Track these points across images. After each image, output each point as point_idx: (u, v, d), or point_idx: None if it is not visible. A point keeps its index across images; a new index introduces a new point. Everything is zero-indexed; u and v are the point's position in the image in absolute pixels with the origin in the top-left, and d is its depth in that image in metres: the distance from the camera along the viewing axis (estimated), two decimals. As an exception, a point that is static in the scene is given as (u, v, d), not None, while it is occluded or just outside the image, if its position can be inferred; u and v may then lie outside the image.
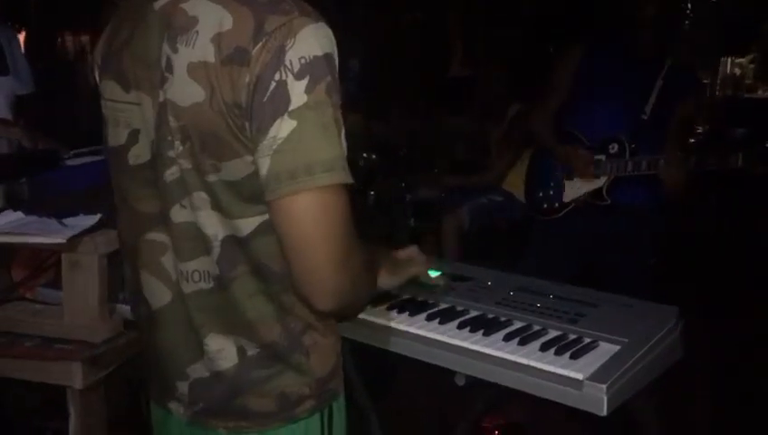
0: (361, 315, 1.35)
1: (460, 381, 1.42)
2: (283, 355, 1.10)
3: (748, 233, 4.96)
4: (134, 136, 1.10)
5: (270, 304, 1.08)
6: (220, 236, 1.05)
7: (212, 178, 1.02)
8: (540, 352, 1.36)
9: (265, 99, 0.94)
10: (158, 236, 1.11)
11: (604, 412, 1.24)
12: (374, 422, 1.93)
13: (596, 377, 1.26)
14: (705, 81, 7.25)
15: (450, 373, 1.44)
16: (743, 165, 2.32)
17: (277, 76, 0.94)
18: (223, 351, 1.10)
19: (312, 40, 0.96)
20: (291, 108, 0.94)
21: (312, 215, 0.96)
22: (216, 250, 1.05)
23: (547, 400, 1.31)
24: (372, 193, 3.90)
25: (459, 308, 1.55)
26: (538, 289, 1.65)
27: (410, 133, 4.64)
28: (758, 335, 3.68)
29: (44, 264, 1.80)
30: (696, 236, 4.84)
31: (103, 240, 1.69)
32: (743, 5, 7.37)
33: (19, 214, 1.78)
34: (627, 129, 2.60)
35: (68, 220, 1.72)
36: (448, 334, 1.44)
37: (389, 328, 1.47)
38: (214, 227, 1.04)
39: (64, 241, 1.64)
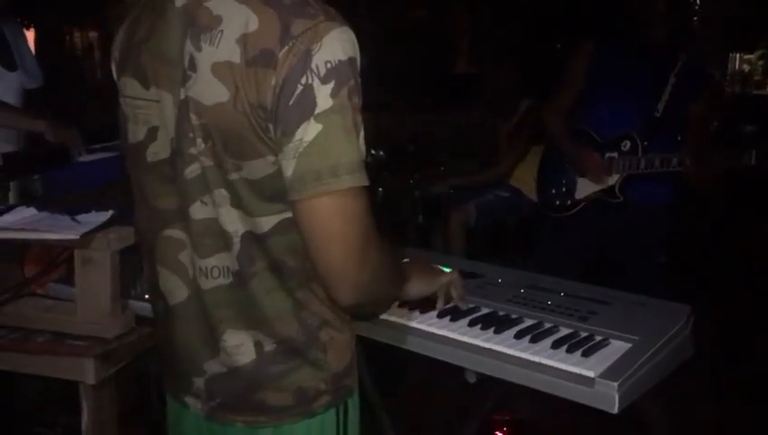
0: (372, 313, 1.36)
1: (471, 379, 1.43)
2: (300, 350, 1.11)
3: (759, 231, 4.94)
4: (153, 133, 1.11)
5: (287, 299, 1.09)
6: (240, 233, 1.06)
7: (233, 176, 1.03)
8: (551, 350, 1.36)
9: (291, 102, 0.96)
10: (175, 233, 1.12)
11: (615, 410, 1.24)
12: (385, 419, 1.94)
13: (607, 375, 1.26)
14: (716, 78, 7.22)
15: (461, 371, 1.44)
16: (756, 163, 2.30)
17: (303, 80, 0.96)
18: (241, 346, 1.11)
19: (338, 44, 0.98)
20: (317, 111, 0.96)
21: (335, 215, 0.98)
22: (237, 246, 1.07)
23: (556, 397, 1.31)
24: (380, 190, 3.90)
25: (470, 305, 1.54)
26: (549, 286, 1.64)
27: (417, 129, 4.65)
28: (764, 335, 3.68)
29: (57, 260, 1.81)
30: (707, 235, 4.82)
31: (116, 237, 1.70)
32: (750, 2, 7.34)
33: (32, 210, 1.79)
34: (639, 126, 2.59)
35: (81, 217, 1.73)
36: (459, 332, 1.44)
37: (400, 325, 1.47)
38: (234, 223, 1.06)
39: (77, 237, 1.64)
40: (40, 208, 1.80)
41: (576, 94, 2.76)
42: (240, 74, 0.98)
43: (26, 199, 1.93)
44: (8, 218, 1.75)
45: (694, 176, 2.45)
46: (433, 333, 1.45)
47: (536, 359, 1.34)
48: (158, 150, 1.11)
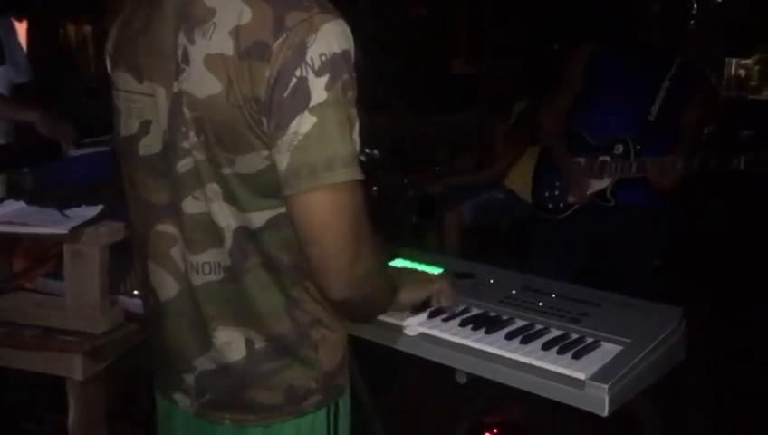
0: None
1: (461, 379, 1.42)
2: (291, 349, 1.10)
3: (753, 234, 4.95)
4: (145, 126, 1.10)
5: (281, 296, 1.08)
6: (233, 228, 1.05)
7: (226, 170, 1.02)
8: (542, 351, 1.36)
9: (286, 94, 0.95)
10: (167, 228, 1.11)
11: (605, 413, 1.24)
12: (376, 419, 1.93)
13: (598, 377, 1.26)
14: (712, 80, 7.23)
15: (452, 371, 1.44)
16: (745, 168, 2.30)
17: (298, 72, 0.95)
18: (232, 343, 1.10)
19: (332, 37, 0.97)
20: (312, 104, 0.95)
21: (330, 209, 0.97)
22: (229, 241, 1.06)
23: (548, 399, 1.31)
24: (375, 188, 3.89)
25: (462, 306, 1.54)
26: (541, 288, 1.64)
27: (413, 129, 4.64)
28: (760, 336, 3.69)
29: (46, 254, 1.80)
30: (701, 237, 4.83)
31: (105, 231, 1.68)
32: (747, 6, 7.35)
33: (21, 204, 1.78)
34: (632, 130, 2.59)
35: (70, 211, 1.72)
36: (450, 332, 1.44)
37: (392, 325, 1.47)
38: (227, 218, 1.05)
39: (66, 232, 1.63)
40: (29, 202, 1.79)
41: (573, 96, 2.76)
42: (233, 67, 0.97)
43: (16, 193, 1.91)
44: (-3, 212, 1.74)
45: (651, 179, 2.48)
46: (424, 334, 1.45)
47: (527, 360, 1.34)
48: (151, 144, 1.10)
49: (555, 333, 1.44)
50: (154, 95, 1.07)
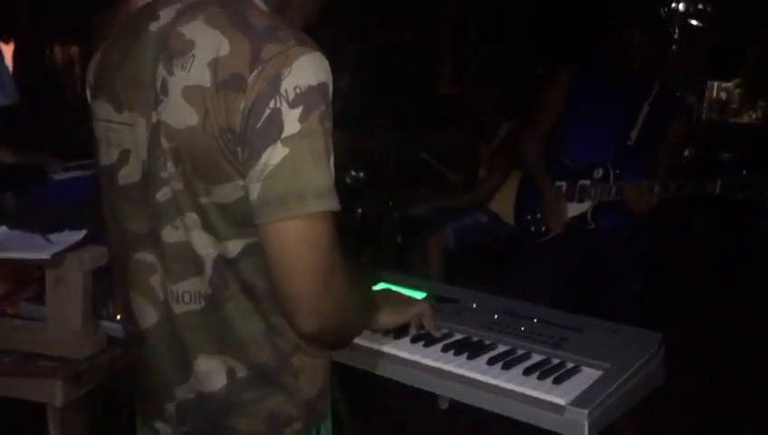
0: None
1: (443, 405, 1.43)
2: (272, 377, 1.10)
3: (733, 254, 5.01)
4: (125, 156, 1.10)
5: (261, 323, 1.08)
6: (212, 256, 1.05)
7: (203, 200, 1.02)
8: (523, 377, 1.37)
9: (259, 125, 0.96)
10: (146, 257, 1.11)
11: (585, 438, 1.24)
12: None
13: (578, 402, 1.27)
14: (690, 104, 7.32)
15: (434, 397, 1.44)
16: (721, 192, 2.34)
17: (272, 104, 0.95)
18: (212, 372, 1.10)
19: (308, 69, 0.98)
20: (284, 135, 0.95)
21: (300, 240, 0.97)
22: (209, 270, 1.06)
23: (529, 424, 1.32)
24: (359, 210, 3.90)
25: (444, 331, 1.55)
26: (523, 313, 1.65)
27: (398, 151, 4.66)
28: (739, 354, 3.72)
29: (28, 279, 1.79)
30: (681, 259, 4.88)
31: (88, 256, 1.68)
32: (729, 30, 7.47)
33: (4, 228, 1.77)
34: (612, 154, 2.62)
35: (53, 236, 1.71)
36: (432, 357, 1.45)
37: (374, 350, 1.47)
38: (206, 247, 1.05)
39: (48, 257, 1.63)
40: (12, 226, 1.79)
41: (553, 120, 2.79)
42: (210, 98, 0.98)
43: (-1, 217, 1.91)
44: (-21, 237, 1.73)
45: (627, 202, 2.52)
46: (406, 359, 1.46)
47: (508, 386, 1.35)
48: (130, 173, 1.10)
49: (537, 358, 1.46)
50: (133, 125, 1.08)
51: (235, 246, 1.04)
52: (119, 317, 1.71)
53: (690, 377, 3.17)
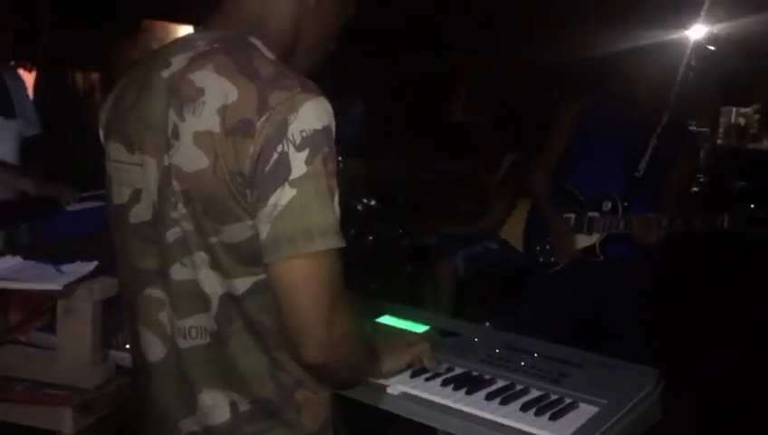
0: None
1: (443, 440, 1.44)
2: (274, 411, 1.13)
3: (744, 290, 4.95)
4: (136, 195, 1.15)
5: (264, 359, 1.12)
6: (219, 294, 1.09)
7: (213, 239, 1.07)
8: (520, 412, 1.39)
9: (267, 168, 1.00)
10: (155, 293, 1.15)
11: (581, 475, 1.26)
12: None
13: (573, 439, 1.28)
14: (703, 129, 7.30)
15: (433, 431, 1.46)
16: (730, 226, 2.33)
17: (280, 148, 1.00)
18: (216, 406, 1.13)
19: (313, 114, 1.02)
20: (291, 177, 1.00)
21: (307, 276, 1.02)
22: (215, 307, 1.10)
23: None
24: (370, 238, 3.93)
25: (445, 365, 1.57)
26: (523, 347, 1.66)
27: (410, 179, 4.70)
28: (747, 392, 3.68)
29: (40, 308, 1.84)
30: (695, 287, 4.84)
31: (99, 287, 1.72)
32: (747, 55, 7.43)
33: (18, 259, 1.82)
34: (620, 186, 2.63)
35: (65, 266, 1.76)
36: (431, 392, 1.46)
37: (374, 384, 1.49)
38: (213, 285, 1.09)
39: (60, 288, 1.67)
40: (26, 257, 1.83)
41: (561, 150, 2.79)
42: (219, 143, 1.02)
43: (13, 247, 1.96)
44: (-6, 267, 1.78)
45: (636, 236, 2.52)
46: (406, 393, 1.47)
47: (505, 421, 1.36)
48: (141, 212, 1.15)
49: (535, 393, 1.47)
50: (144, 166, 1.12)
51: (242, 284, 1.08)
52: (127, 346, 1.75)
53: (699, 409, 3.15)
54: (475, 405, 1.41)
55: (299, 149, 1.00)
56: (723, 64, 7.47)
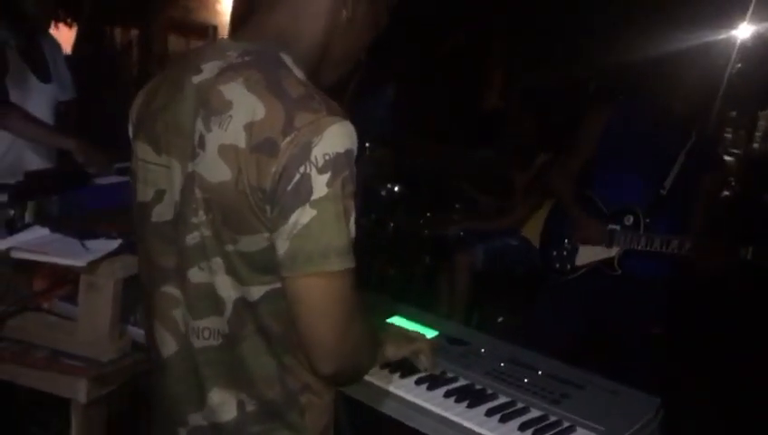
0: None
1: (441, 449, 1.47)
2: (279, 413, 1.18)
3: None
4: (160, 195, 1.19)
5: (273, 363, 1.16)
6: (233, 298, 1.14)
7: (229, 247, 1.10)
8: (518, 432, 1.41)
9: (289, 188, 1.03)
10: (172, 290, 1.19)
11: (572, 502, 1.28)
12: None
13: (567, 465, 1.31)
14: (740, 131, 7.12)
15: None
16: (753, 259, 2.31)
17: (302, 169, 1.03)
18: (224, 404, 1.18)
19: (336, 138, 1.05)
20: (313, 198, 1.03)
21: (323, 294, 1.06)
22: (229, 311, 1.14)
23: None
24: (391, 225, 3.95)
25: (449, 375, 1.60)
26: (529, 363, 1.69)
27: (436, 167, 4.69)
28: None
29: (65, 278, 1.89)
30: (709, 306, 4.77)
31: (121, 265, 1.77)
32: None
33: (45, 231, 1.87)
34: (644, 201, 2.61)
35: (90, 242, 1.81)
36: (433, 402, 1.50)
37: (379, 388, 1.53)
38: (228, 290, 1.13)
39: (83, 265, 1.72)
40: (54, 230, 1.88)
41: (587, 157, 2.77)
42: (244, 158, 1.05)
43: (43, 218, 2.01)
44: (22, 238, 1.83)
45: (700, 263, 2.46)
46: (408, 400, 1.51)
47: (502, 440, 1.39)
48: (163, 212, 1.18)
49: (534, 413, 1.49)
50: (170, 168, 1.15)
51: (257, 292, 1.12)
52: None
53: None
54: (474, 420, 1.44)
55: (321, 171, 1.03)
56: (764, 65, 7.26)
